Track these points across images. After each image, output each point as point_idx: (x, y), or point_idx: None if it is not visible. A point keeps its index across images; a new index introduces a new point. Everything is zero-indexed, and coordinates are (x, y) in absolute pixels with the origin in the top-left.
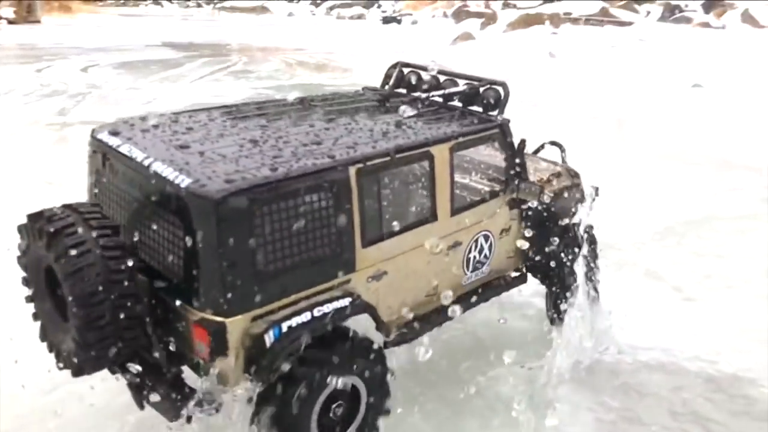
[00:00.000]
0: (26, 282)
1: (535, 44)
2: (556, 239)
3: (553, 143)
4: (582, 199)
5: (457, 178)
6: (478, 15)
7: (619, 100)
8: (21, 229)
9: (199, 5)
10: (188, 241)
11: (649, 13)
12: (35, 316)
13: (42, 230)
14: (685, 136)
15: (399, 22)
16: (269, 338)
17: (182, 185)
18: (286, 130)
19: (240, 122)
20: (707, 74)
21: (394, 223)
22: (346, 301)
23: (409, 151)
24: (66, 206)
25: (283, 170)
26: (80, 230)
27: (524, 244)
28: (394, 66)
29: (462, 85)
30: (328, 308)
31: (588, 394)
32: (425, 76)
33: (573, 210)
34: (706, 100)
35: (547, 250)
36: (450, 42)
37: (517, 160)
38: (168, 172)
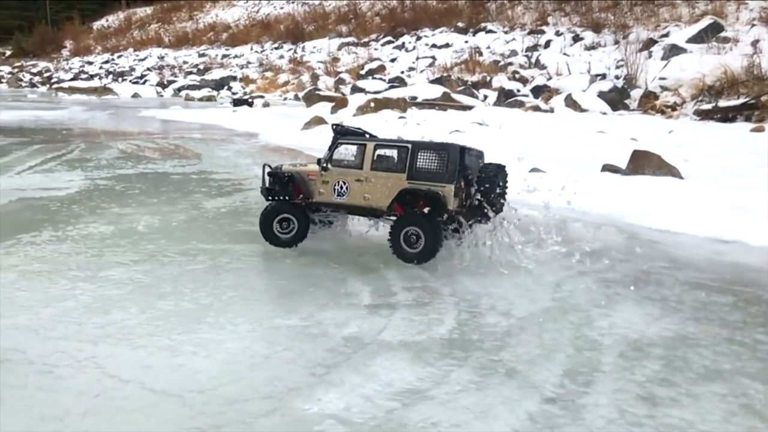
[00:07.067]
0: None
1: (384, 127)
2: None
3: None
4: None
5: None
6: (329, 99)
7: None
8: None
9: (33, 85)
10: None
11: (486, 97)
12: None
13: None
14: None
15: (251, 104)
16: None
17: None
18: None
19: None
20: (539, 153)
21: None
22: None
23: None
24: None
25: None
26: None
27: None
28: (338, 125)
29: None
30: None
31: None
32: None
33: None
34: (542, 181)
35: None
36: (302, 126)
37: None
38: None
